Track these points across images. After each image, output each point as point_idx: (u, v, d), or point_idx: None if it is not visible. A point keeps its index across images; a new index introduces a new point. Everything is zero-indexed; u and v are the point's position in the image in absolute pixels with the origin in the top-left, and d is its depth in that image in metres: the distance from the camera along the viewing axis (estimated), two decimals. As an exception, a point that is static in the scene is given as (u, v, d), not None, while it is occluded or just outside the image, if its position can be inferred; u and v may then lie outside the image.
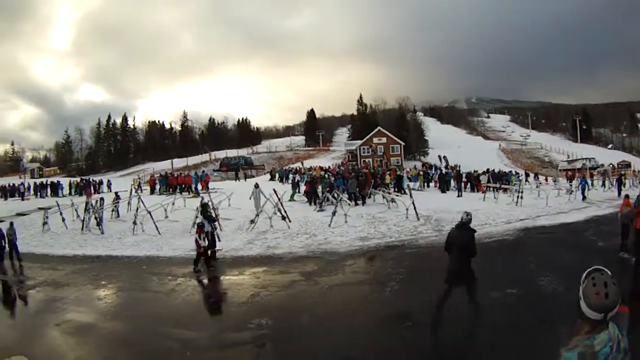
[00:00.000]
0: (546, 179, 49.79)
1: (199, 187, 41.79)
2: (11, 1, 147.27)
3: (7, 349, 9.11)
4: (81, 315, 11.75)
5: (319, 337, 9.06)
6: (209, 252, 16.33)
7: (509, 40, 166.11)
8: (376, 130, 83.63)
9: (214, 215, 18.91)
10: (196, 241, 15.83)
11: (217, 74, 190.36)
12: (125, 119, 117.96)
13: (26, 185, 53.00)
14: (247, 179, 58.89)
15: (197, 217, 22.22)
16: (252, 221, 22.46)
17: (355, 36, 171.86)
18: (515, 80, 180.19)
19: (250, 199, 25.77)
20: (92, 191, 42.96)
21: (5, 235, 19.67)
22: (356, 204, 26.98)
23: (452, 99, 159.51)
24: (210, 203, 21.76)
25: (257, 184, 27.24)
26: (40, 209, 33.36)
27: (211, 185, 44.30)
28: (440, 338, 8.85)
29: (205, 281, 14.77)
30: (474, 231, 9.47)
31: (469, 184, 37.63)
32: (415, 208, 22.22)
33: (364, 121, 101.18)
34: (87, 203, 26.89)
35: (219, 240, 18.81)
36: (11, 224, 20.93)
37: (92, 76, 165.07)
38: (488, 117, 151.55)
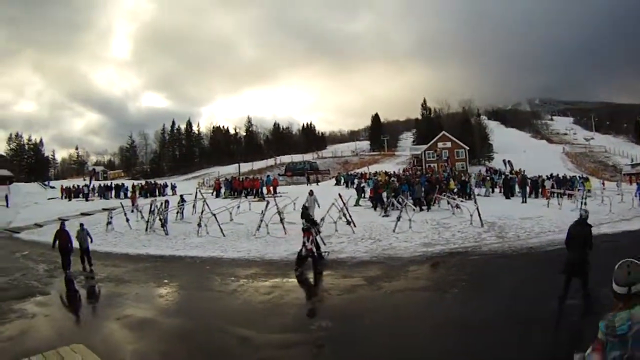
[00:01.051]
0: (603, 184, 47.92)
1: (264, 190, 41.91)
2: (72, 15, 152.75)
3: (68, 337, 9.21)
4: (141, 311, 11.92)
5: (379, 342, 8.94)
6: (310, 254, 16.05)
7: (572, 39, 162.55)
8: (441, 134, 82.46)
9: (315, 218, 18.75)
10: (304, 244, 15.78)
11: (278, 80, 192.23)
12: (189, 124, 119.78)
13: (90, 186, 54.07)
14: (318, 183, 59.34)
15: (261, 220, 22.50)
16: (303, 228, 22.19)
17: (416, 39, 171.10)
18: (578, 80, 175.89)
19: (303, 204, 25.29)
20: (137, 196, 43.38)
21: (75, 237, 18.42)
22: (421, 210, 26.56)
23: (515, 100, 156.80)
24: (277, 207, 22.02)
25: (311, 191, 26.69)
26: (104, 209, 34.15)
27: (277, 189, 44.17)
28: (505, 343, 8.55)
29: (268, 283, 14.64)
30: (591, 226, 10.24)
31: (533, 189, 36.72)
32: (479, 214, 21.79)
33: (428, 125, 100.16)
34: (151, 203, 27.24)
35: (324, 244, 18.79)
36: (81, 225, 19.36)
37: (154, 84, 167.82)
38: (551, 119, 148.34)
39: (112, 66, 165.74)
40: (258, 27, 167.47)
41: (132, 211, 30.60)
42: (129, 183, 58.64)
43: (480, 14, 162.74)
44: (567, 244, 10.20)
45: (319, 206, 24.16)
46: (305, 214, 17.06)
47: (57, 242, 17.85)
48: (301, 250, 15.88)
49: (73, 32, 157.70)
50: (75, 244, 18.25)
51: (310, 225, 16.27)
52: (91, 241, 18.87)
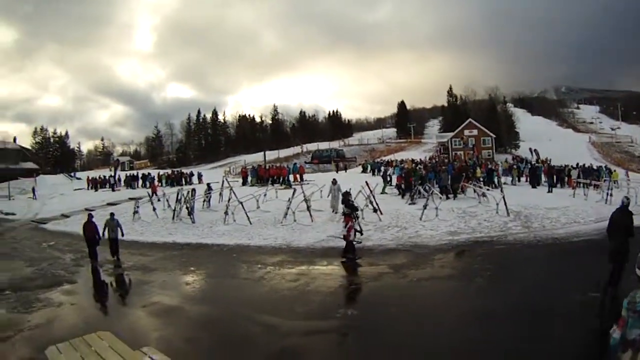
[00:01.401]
0: (627, 175, 46.95)
1: (291, 178, 41.70)
2: (93, 9, 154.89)
3: (94, 325, 9.35)
4: (168, 298, 12.03)
5: (403, 330, 8.99)
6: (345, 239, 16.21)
7: (599, 25, 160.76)
8: (467, 122, 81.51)
9: (356, 204, 18.71)
10: (348, 230, 15.90)
11: (303, 69, 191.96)
12: (215, 113, 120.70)
13: (117, 177, 54.84)
14: (346, 170, 59.64)
15: (288, 207, 22.61)
16: (343, 213, 21.91)
17: (440, 25, 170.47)
18: (605, 69, 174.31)
19: (328, 196, 25.41)
20: (157, 184, 43.63)
21: (104, 227, 18.15)
22: (447, 198, 26.52)
23: (542, 88, 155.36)
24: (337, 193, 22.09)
25: (334, 180, 25.38)
26: (130, 199, 34.38)
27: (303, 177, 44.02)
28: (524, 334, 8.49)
29: (294, 270, 14.74)
30: (633, 214, 10.04)
31: (559, 179, 36.27)
32: (505, 203, 21.62)
33: (454, 113, 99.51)
34: (178, 192, 27.40)
35: (361, 234, 18.21)
36: (111, 215, 19.09)
37: (178, 75, 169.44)
38: (578, 108, 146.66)
39: (135, 59, 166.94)
40: (280, 17, 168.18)
41: (159, 200, 31.10)
42: (155, 172, 59.01)
43: (504, 2, 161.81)
44: (609, 232, 10.05)
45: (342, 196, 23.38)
46: (346, 199, 17.11)
47: (84, 233, 17.70)
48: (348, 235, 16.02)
49: (95, 27, 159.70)
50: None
51: (350, 211, 16.36)
52: (122, 234, 18.64)
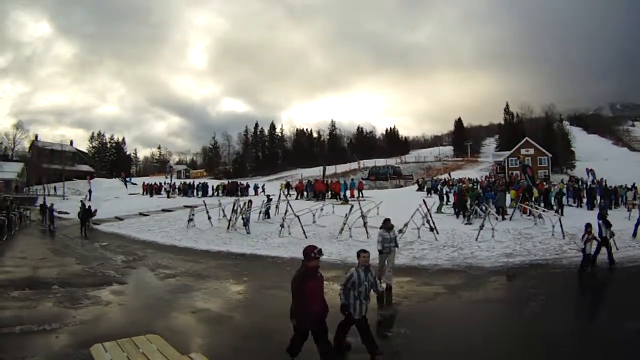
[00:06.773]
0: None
1: (348, 194, 41.36)
2: (148, 30, 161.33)
3: (141, 327, 9.53)
4: (218, 306, 12.03)
5: (456, 352, 8.88)
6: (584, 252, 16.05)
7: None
8: (524, 140, 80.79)
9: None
10: (585, 242, 15.81)
11: (352, 87, 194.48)
12: (273, 126, 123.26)
13: (172, 184, 56.01)
14: (423, 188, 58.21)
15: (344, 223, 23.02)
16: (400, 231, 21.10)
17: (486, 44, 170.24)
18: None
19: (378, 249, 14.16)
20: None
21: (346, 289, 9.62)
22: (503, 218, 26.08)
23: (597, 105, 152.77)
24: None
25: (388, 220, 14.44)
26: (185, 206, 35.02)
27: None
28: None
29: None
30: None
31: (614, 200, 35.33)
32: (561, 225, 21.37)
33: (511, 131, 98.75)
34: (234, 202, 27.54)
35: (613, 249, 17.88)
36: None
37: (232, 91, 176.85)
38: (633, 125, 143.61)
39: (190, 75, 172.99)
40: (327, 38, 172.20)
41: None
42: (211, 182, 59.81)
43: (556, 18, 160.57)
44: None
45: (397, 246, 14.88)
46: (603, 214, 17.04)
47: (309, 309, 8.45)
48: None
49: (151, 45, 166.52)
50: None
51: (606, 228, 16.47)
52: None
